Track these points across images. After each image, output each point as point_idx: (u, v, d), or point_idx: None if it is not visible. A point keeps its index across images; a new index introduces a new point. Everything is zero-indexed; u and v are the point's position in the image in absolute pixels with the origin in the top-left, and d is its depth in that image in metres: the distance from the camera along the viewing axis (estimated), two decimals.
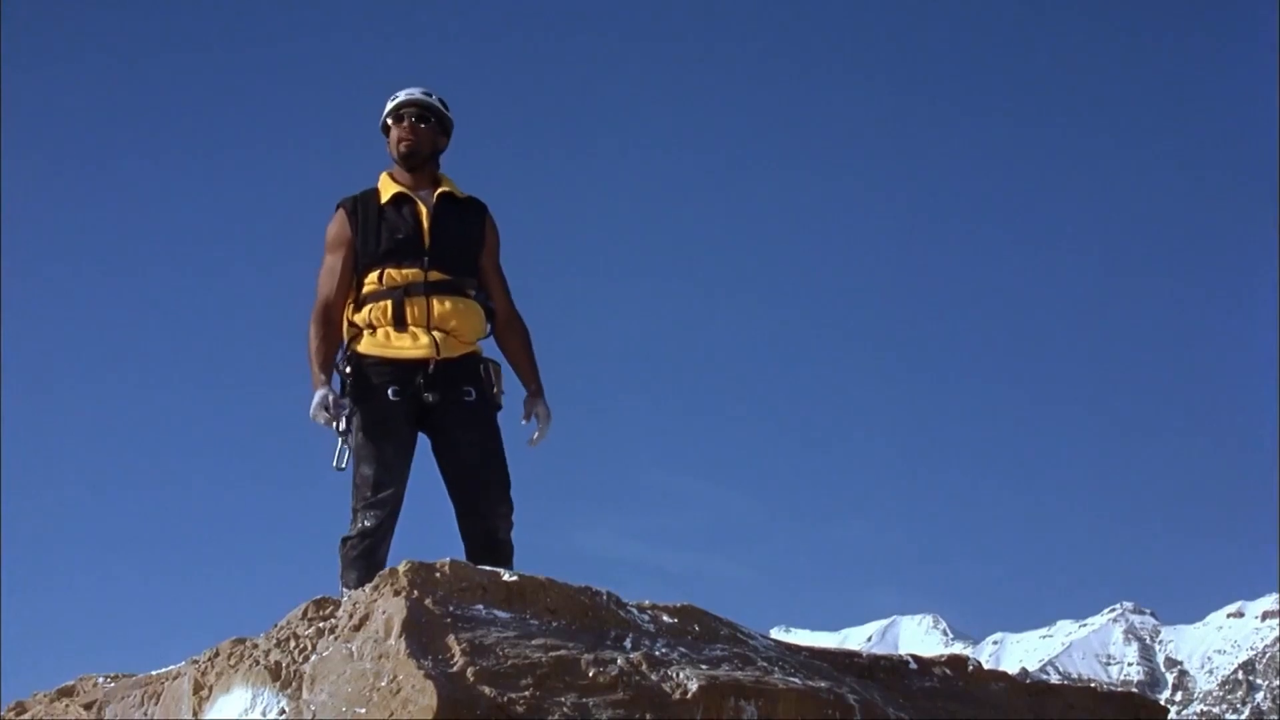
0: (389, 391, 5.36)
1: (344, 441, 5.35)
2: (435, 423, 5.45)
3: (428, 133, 5.63)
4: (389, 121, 5.65)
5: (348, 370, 5.43)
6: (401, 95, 5.64)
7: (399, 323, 5.41)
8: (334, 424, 5.31)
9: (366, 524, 5.30)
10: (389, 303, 5.42)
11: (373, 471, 5.32)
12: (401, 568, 4.27)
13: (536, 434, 5.64)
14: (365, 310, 5.46)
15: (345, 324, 5.51)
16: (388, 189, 5.59)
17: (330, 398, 5.33)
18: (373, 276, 5.46)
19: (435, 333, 5.42)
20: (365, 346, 5.43)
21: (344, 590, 5.06)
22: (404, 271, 5.45)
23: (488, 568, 4.50)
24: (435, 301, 5.44)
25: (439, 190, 5.61)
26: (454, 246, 5.53)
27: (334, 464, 5.32)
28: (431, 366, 5.40)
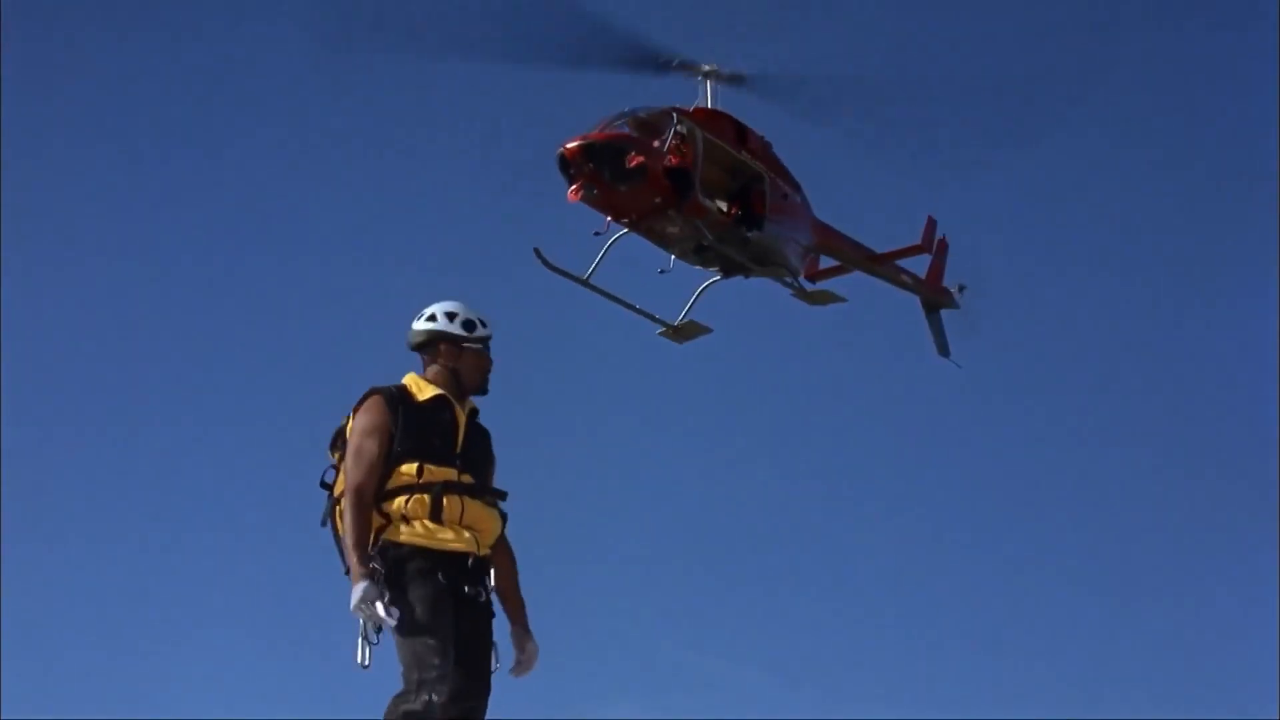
0: (439, 575, 5.45)
1: (367, 639, 5.40)
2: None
3: None
4: (464, 344, 5.78)
5: (375, 555, 5.46)
6: (484, 327, 5.83)
7: (435, 516, 5.54)
8: (384, 621, 5.33)
9: (437, 698, 5.28)
10: (428, 496, 5.54)
11: (438, 640, 5.36)
12: None
13: (522, 667, 5.71)
14: (399, 501, 5.54)
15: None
16: (425, 389, 5.75)
17: (378, 591, 5.35)
18: (410, 469, 5.56)
19: (468, 530, 5.57)
20: (406, 536, 5.49)
21: None
22: (441, 469, 5.60)
23: None
24: (468, 502, 5.61)
25: (469, 406, 5.82)
26: (479, 457, 5.76)
27: (359, 660, 5.38)
28: (470, 561, 5.56)
